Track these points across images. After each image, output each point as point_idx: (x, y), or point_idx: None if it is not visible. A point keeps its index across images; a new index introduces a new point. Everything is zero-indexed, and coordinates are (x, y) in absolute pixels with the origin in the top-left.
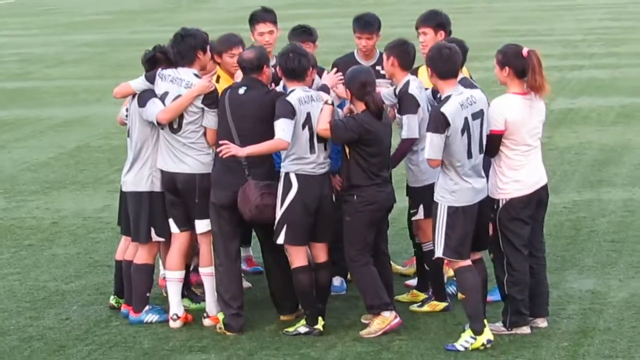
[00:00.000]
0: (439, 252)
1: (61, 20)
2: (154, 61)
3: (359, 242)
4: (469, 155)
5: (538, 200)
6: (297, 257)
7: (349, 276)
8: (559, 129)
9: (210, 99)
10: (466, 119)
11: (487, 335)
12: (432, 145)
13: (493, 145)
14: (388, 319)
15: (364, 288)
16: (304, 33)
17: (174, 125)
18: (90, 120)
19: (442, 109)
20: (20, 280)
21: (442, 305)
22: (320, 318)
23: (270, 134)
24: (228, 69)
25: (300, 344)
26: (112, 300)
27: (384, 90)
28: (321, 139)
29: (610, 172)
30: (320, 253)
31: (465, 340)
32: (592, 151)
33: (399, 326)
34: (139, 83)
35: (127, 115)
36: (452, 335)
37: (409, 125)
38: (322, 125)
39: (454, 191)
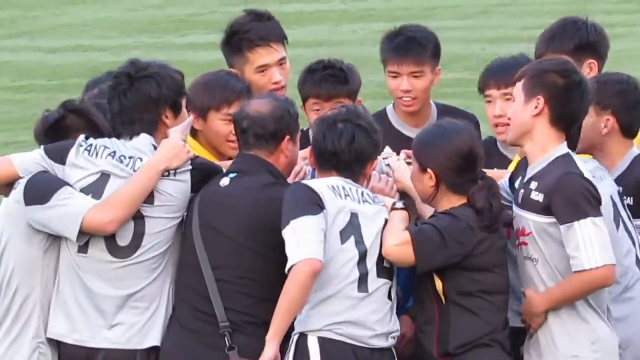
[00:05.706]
0: None
1: None
2: (64, 130)
3: None
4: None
5: None
6: None
7: None
8: None
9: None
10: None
11: None
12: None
13: None
14: None
15: None
16: (335, 82)
17: (122, 241)
18: None
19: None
20: None
21: None
22: None
23: (275, 267)
24: (215, 141)
25: None
26: None
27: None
28: (383, 272)
29: None
30: None
31: None
32: None
33: None
34: (31, 160)
35: None
36: None
37: (594, 243)
38: (395, 239)
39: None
